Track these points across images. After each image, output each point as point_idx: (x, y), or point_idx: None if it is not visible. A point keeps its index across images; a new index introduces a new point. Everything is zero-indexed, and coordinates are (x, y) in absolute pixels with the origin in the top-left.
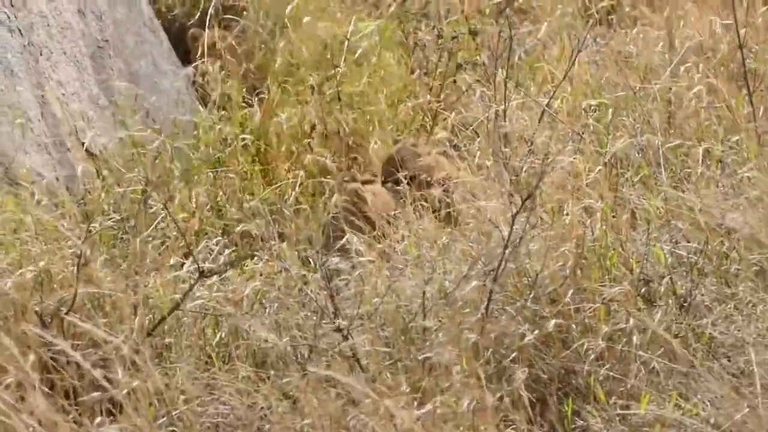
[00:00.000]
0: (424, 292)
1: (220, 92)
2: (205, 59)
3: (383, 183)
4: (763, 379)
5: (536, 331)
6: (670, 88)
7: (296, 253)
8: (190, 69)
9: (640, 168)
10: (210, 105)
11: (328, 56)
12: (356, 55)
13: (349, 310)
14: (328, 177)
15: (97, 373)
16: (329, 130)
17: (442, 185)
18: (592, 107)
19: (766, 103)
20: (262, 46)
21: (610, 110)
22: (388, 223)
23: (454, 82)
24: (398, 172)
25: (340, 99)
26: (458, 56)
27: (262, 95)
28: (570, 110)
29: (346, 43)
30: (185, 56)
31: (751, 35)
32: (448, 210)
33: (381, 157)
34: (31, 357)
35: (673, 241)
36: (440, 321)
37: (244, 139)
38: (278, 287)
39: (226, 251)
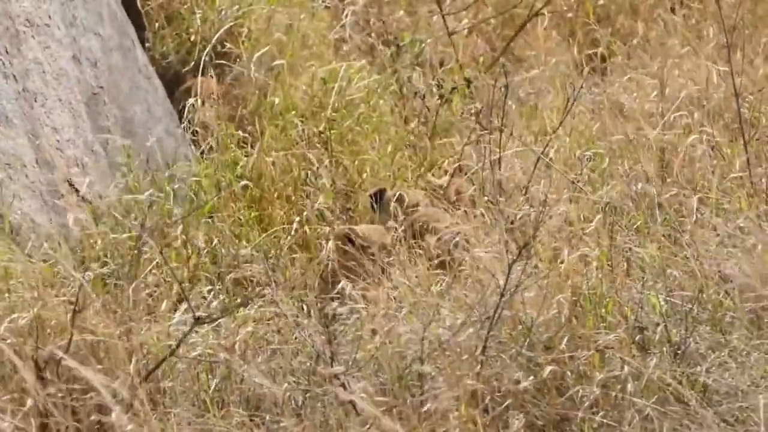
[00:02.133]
0: (422, 339)
1: (214, 138)
2: (199, 106)
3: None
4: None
5: (531, 378)
6: (664, 137)
7: (291, 299)
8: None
9: (635, 216)
10: (204, 151)
11: (320, 104)
12: (351, 103)
13: (345, 356)
14: (323, 223)
15: (94, 419)
16: (321, 177)
17: (437, 233)
18: (587, 156)
19: (760, 152)
20: (257, 92)
21: (606, 159)
22: (383, 270)
23: (450, 130)
24: (392, 217)
25: (331, 147)
26: (454, 105)
27: (256, 141)
28: (565, 159)
29: (339, 91)
30: (179, 103)
31: (746, 85)
32: (443, 258)
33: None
34: (29, 402)
35: (668, 289)
36: (437, 367)
37: (238, 185)
38: (272, 332)
39: (220, 297)
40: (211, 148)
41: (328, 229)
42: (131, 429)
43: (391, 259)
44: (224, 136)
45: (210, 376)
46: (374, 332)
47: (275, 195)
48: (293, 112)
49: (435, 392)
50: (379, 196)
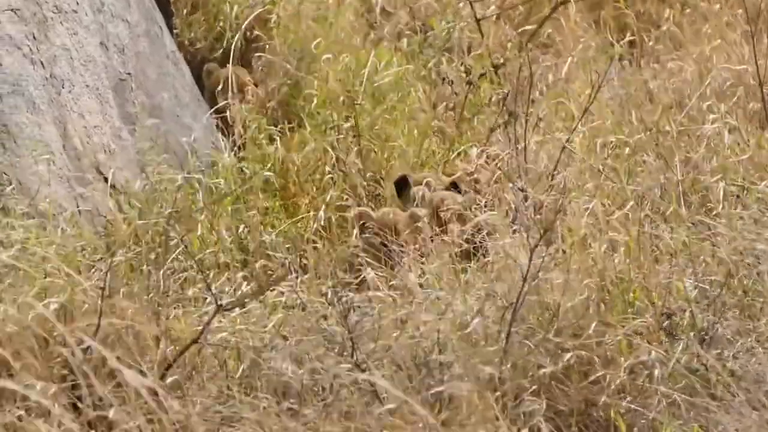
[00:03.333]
0: (438, 330)
1: (241, 127)
2: (228, 93)
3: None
4: None
5: (556, 364)
6: (692, 124)
7: (317, 287)
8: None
9: (664, 203)
10: (232, 140)
11: (349, 92)
12: (379, 90)
13: (368, 343)
14: (348, 211)
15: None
16: (350, 165)
17: (462, 220)
18: (614, 143)
19: None
20: (287, 81)
21: (632, 146)
22: (398, 255)
23: (477, 117)
24: (412, 203)
25: (360, 135)
26: (482, 91)
27: (285, 131)
28: (591, 146)
29: (368, 78)
30: (208, 90)
31: None
32: (468, 245)
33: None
34: (54, 387)
35: (696, 274)
36: (458, 354)
37: (265, 175)
38: (298, 320)
39: (245, 285)
40: (239, 138)
41: (350, 215)
42: (158, 415)
43: (411, 245)
44: (254, 127)
45: (237, 363)
46: (398, 321)
47: (302, 182)
48: (322, 100)
49: (456, 379)
50: (403, 183)
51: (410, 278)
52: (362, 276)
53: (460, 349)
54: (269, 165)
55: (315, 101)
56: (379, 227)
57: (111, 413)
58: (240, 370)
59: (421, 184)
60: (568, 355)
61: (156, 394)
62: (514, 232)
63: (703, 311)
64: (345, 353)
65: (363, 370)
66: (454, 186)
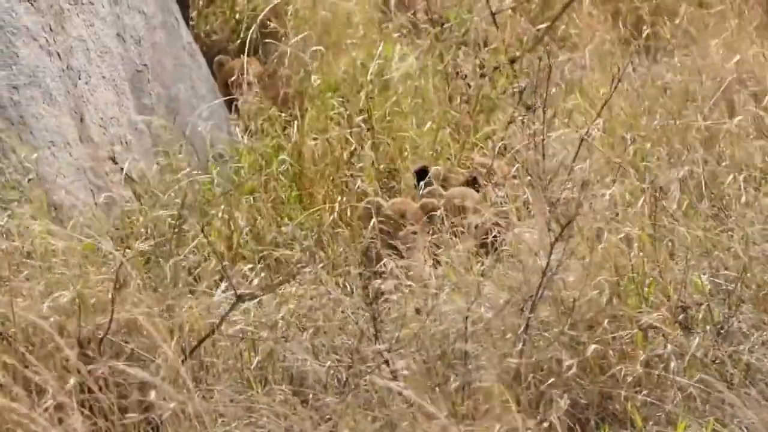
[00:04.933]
0: (466, 317)
1: (256, 116)
2: (243, 84)
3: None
4: None
5: (575, 358)
6: (708, 118)
7: (333, 276)
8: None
9: (681, 197)
10: (248, 130)
11: (364, 82)
12: (393, 82)
13: (388, 333)
14: (365, 200)
15: (138, 395)
16: (364, 156)
17: (472, 212)
18: (633, 137)
19: None
20: (302, 71)
21: (651, 140)
22: (428, 249)
23: (494, 110)
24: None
25: (373, 127)
26: (498, 84)
27: (299, 119)
28: (610, 139)
29: (382, 70)
30: (220, 80)
31: None
32: (484, 238)
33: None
34: (72, 380)
35: (712, 268)
36: (480, 346)
37: (281, 165)
38: (315, 310)
39: (262, 275)
40: (253, 128)
41: (360, 204)
42: (174, 407)
43: (423, 236)
44: (268, 116)
45: (253, 354)
46: (418, 311)
47: (317, 175)
48: (336, 92)
49: (478, 371)
50: (421, 173)
51: (424, 269)
52: (379, 266)
53: (481, 341)
54: (284, 154)
55: (327, 93)
56: (391, 218)
57: (152, 395)
58: (256, 361)
59: (438, 176)
60: (589, 349)
61: (174, 385)
62: (532, 226)
63: (718, 305)
64: (365, 342)
65: (385, 361)
66: (473, 181)
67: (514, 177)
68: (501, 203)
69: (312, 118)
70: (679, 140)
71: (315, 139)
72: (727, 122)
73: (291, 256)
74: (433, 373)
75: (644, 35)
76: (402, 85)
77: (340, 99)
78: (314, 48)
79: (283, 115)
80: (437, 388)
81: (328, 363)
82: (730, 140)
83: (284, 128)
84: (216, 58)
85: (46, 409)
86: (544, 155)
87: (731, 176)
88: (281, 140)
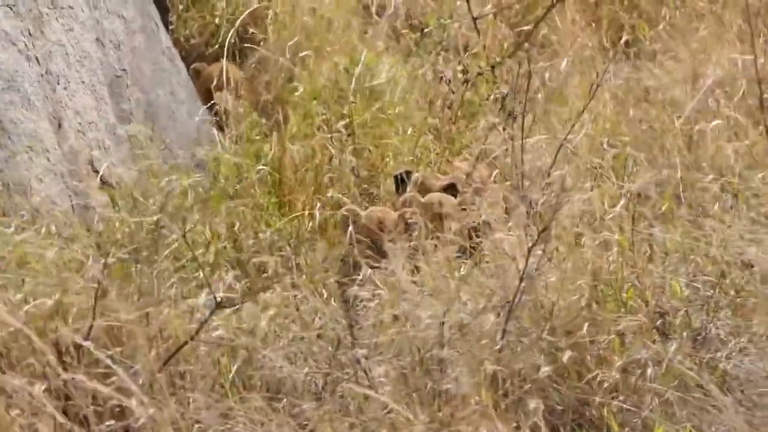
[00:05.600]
0: (442, 323)
1: (235, 121)
2: (223, 90)
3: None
4: None
5: (553, 363)
6: (688, 124)
7: (312, 283)
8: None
9: (659, 202)
10: (227, 136)
11: (344, 89)
12: (374, 88)
13: (365, 340)
14: (343, 209)
15: (115, 402)
16: (344, 163)
17: (450, 218)
18: (612, 142)
19: None
20: (281, 76)
21: (630, 145)
22: (408, 255)
23: (475, 115)
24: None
25: (354, 133)
26: (480, 90)
27: (280, 128)
28: (589, 145)
29: (363, 76)
30: (200, 86)
31: None
32: (463, 243)
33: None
34: (42, 385)
35: (690, 274)
36: (457, 352)
37: (260, 171)
38: (293, 318)
39: (241, 282)
40: (233, 135)
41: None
42: (151, 413)
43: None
44: (248, 123)
45: (231, 361)
46: (395, 317)
47: (297, 182)
48: (316, 99)
49: (455, 377)
50: (403, 178)
51: (402, 276)
52: (358, 274)
53: (458, 347)
54: (264, 161)
55: (307, 99)
56: (368, 226)
57: (131, 402)
58: (234, 368)
59: (417, 182)
60: (567, 355)
61: (150, 391)
62: (510, 230)
63: (696, 311)
64: (342, 349)
65: (363, 368)
66: (450, 187)
67: (494, 182)
68: (480, 208)
69: (294, 124)
70: (658, 145)
71: (298, 145)
72: (704, 126)
73: (269, 263)
74: (410, 380)
75: (625, 41)
76: (384, 91)
77: (323, 106)
78: (303, 54)
79: (264, 121)
80: (414, 395)
81: (306, 369)
82: (707, 145)
83: (265, 134)
84: (192, 66)
85: (19, 414)
86: (523, 160)
87: (709, 179)
88: (262, 146)
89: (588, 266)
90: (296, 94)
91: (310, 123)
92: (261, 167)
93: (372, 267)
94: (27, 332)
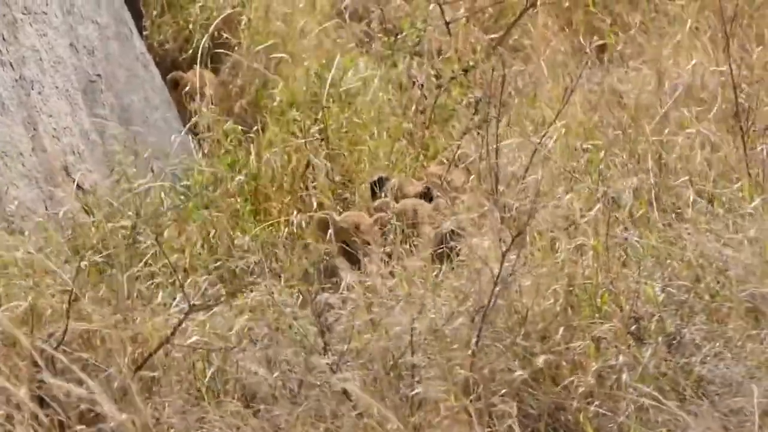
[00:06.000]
0: (412, 328)
1: (212, 129)
2: (196, 96)
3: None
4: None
5: (526, 369)
6: (662, 129)
7: (287, 289)
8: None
9: (633, 207)
10: (202, 143)
11: (318, 94)
12: (348, 93)
13: (339, 345)
14: (319, 213)
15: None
16: (319, 169)
17: (433, 222)
18: (585, 147)
19: (756, 142)
20: (255, 81)
21: (603, 150)
22: (383, 260)
23: (449, 120)
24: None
25: (328, 139)
26: (453, 94)
27: (255, 132)
28: (563, 149)
29: (337, 81)
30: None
31: (744, 74)
32: (438, 248)
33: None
34: (23, 390)
35: (665, 279)
36: (429, 357)
37: (233, 178)
38: (268, 323)
39: (216, 287)
40: (210, 140)
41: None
42: (124, 418)
43: (377, 248)
44: (223, 130)
45: (205, 365)
46: (369, 322)
47: (273, 187)
48: (291, 104)
49: (427, 382)
50: (379, 184)
51: (377, 281)
52: (334, 279)
53: (432, 352)
54: (239, 168)
55: (282, 104)
56: (343, 230)
57: (104, 407)
58: (209, 373)
59: (393, 188)
60: (540, 360)
61: (125, 396)
62: (485, 235)
63: (671, 316)
64: (316, 355)
65: (335, 372)
66: (425, 192)
67: (469, 187)
68: (455, 213)
69: (272, 132)
70: (631, 150)
71: (271, 154)
72: (676, 130)
73: (244, 268)
74: (383, 385)
75: (598, 45)
76: (357, 95)
77: (298, 112)
78: (276, 56)
79: (240, 128)
80: (387, 400)
81: (277, 374)
82: (680, 150)
83: (240, 141)
84: (168, 76)
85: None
86: (497, 165)
87: (681, 181)
88: (238, 155)
89: (563, 271)
90: (270, 99)
91: (287, 130)
92: (237, 177)
93: (347, 272)
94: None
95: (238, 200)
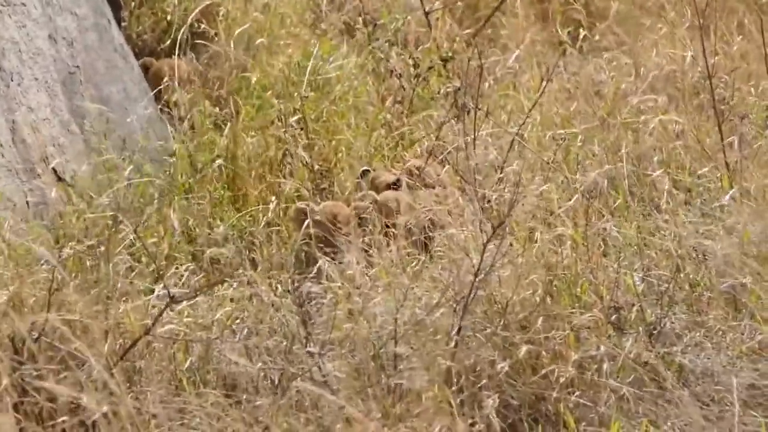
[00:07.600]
0: (395, 319)
1: (189, 118)
2: (174, 83)
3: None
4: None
5: (508, 359)
6: (638, 118)
7: (267, 278)
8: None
9: (611, 197)
10: (180, 131)
11: (296, 83)
12: (326, 82)
13: (320, 335)
14: (297, 204)
15: (69, 398)
16: (297, 157)
17: (412, 213)
18: (562, 136)
19: (732, 132)
20: (233, 71)
21: (580, 140)
22: (365, 251)
23: (427, 110)
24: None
25: (307, 127)
26: (431, 84)
27: (231, 118)
28: (540, 139)
29: (315, 71)
30: (151, 82)
31: (721, 64)
32: (417, 238)
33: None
34: (4, 381)
35: (644, 268)
36: (411, 348)
37: (213, 165)
38: (249, 313)
39: (196, 277)
40: (191, 127)
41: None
42: (106, 409)
43: (355, 238)
44: (201, 116)
45: (186, 356)
46: (350, 312)
47: (251, 175)
48: (269, 92)
49: (409, 372)
50: (363, 176)
51: (356, 270)
52: (313, 269)
53: (413, 342)
54: (217, 154)
55: (260, 93)
56: (322, 220)
57: (84, 398)
58: (189, 363)
59: (369, 179)
60: (522, 351)
61: (106, 387)
62: (463, 225)
63: (651, 306)
64: (297, 345)
65: (317, 362)
66: (396, 183)
67: (447, 177)
68: (433, 204)
69: (246, 115)
70: (607, 138)
71: (249, 139)
72: (652, 120)
73: (223, 257)
74: (365, 375)
75: (574, 36)
76: (336, 85)
77: (275, 99)
78: (255, 43)
79: (217, 109)
80: (369, 390)
81: (260, 365)
82: (656, 139)
83: (216, 125)
84: (140, 61)
85: None
86: (475, 155)
87: (659, 172)
88: (215, 140)
89: (542, 261)
90: (249, 88)
91: (264, 115)
92: (216, 161)
93: (326, 261)
94: None
95: (217, 186)
